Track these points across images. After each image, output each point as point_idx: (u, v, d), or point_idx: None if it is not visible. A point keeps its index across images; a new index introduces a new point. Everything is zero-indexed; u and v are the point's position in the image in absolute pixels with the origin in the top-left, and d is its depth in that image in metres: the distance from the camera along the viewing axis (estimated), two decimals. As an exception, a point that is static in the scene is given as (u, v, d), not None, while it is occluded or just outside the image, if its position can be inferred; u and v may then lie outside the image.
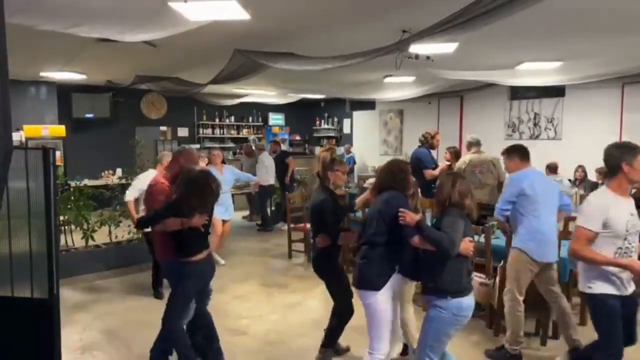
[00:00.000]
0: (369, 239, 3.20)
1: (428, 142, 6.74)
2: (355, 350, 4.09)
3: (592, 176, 8.39)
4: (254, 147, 10.58)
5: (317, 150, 15.33)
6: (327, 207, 3.81)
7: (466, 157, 6.31)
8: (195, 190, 3.41)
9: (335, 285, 3.91)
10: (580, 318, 4.76)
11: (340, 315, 3.90)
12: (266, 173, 9.24)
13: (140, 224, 3.82)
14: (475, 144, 6.32)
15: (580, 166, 8.42)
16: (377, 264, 3.16)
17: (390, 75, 8.48)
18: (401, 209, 3.05)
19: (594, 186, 8.12)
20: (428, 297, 3.06)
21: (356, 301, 3.93)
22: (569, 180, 8.23)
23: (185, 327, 3.71)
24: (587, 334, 4.52)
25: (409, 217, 3.00)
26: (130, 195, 5.44)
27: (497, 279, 4.34)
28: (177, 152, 4.01)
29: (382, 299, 3.13)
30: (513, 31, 5.31)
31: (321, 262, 3.92)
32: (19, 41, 5.61)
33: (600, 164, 8.46)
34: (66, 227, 6.89)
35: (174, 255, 3.52)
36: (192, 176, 3.47)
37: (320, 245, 3.82)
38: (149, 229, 4.15)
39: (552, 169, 7.95)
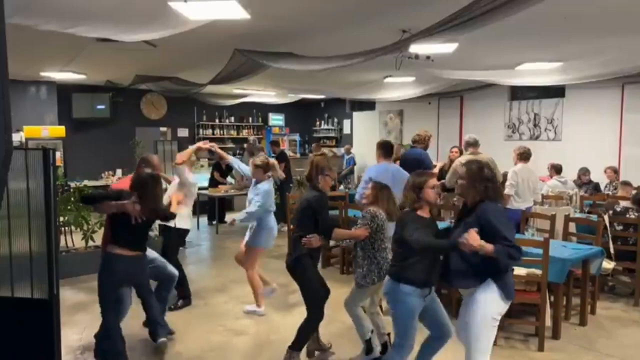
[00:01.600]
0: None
1: (424, 142, 6.72)
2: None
3: (594, 177, 8.38)
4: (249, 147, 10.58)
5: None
6: (325, 202, 3.85)
7: (462, 157, 6.31)
8: (138, 186, 3.70)
9: (312, 288, 3.85)
10: (580, 319, 4.76)
11: (314, 320, 3.88)
12: None
13: (83, 198, 4.03)
14: (472, 144, 6.31)
15: (586, 169, 8.38)
16: None
17: (390, 76, 8.48)
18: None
19: (596, 188, 8.13)
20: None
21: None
22: (574, 181, 8.23)
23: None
24: (586, 334, 4.54)
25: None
26: None
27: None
28: (140, 160, 4.47)
29: None
30: (513, 31, 5.31)
31: (306, 263, 3.80)
32: (19, 41, 5.61)
33: (602, 164, 8.54)
34: (66, 228, 6.88)
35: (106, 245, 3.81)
36: (139, 175, 3.85)
37: (314, 245, 3.71)
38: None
39: (557, 170, 7.93)
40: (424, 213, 3.21)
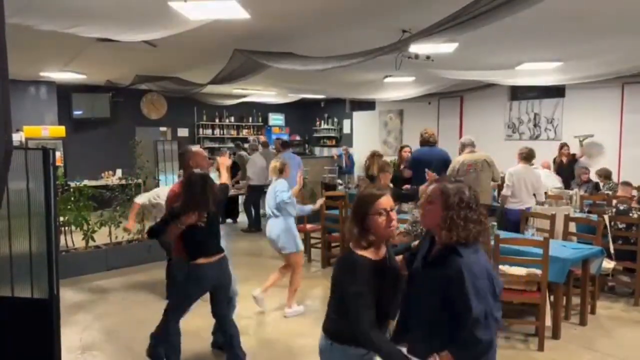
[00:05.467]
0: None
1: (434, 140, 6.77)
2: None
3: (594, 177, 8.38)
4: (247, 146, 10.58)
5: (317, 150, 15.45)
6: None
7: (460, 157, 6.31)
8: (188, 191, 3.47)
9: None
10: (580, 318, 4.76)
11: None
12: (254, 173, 9.17)
13: (149, 233, 3.88)
14: (468, 145, 6.32)
15: (585, 168, 8.40)
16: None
17: (390, 76, 8.48)
18: None
19: (596, 187, 8.13)
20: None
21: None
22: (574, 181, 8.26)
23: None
24: (586, 334, 4.54)
25: None
26: (139, 199, 5.64)
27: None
28: (183, 154, 4.14)
29: None
30: (513, 31, 5.31)
31: None
32: (19, 41, 5.61)
33: (602, 164, 8.49)
34: (66, 227, 6.88)
35: (185, 256, 3.59)
36: (189, 179, 3.57)
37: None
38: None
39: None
40: (370, 254, 2.17)
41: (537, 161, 7.31)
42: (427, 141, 6.54)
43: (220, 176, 4.06)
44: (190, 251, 3.56)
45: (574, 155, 9.01)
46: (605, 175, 8.01)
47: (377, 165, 5.04)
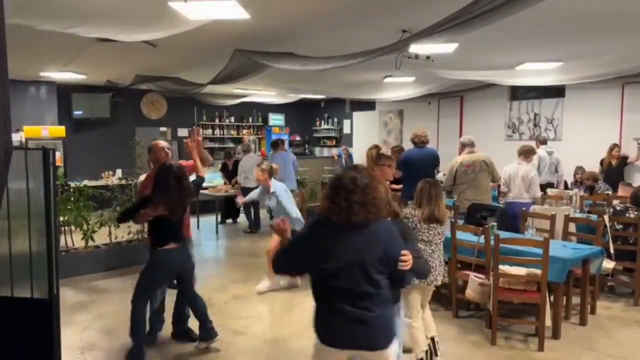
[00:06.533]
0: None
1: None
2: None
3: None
4: (241, 148, 10.59)
5: (318, 150, 15.43)
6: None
7: (458, 157, 6.36)
8: (158, 185, 3.75)
9: None
10: (580, 318, 4.76)
11: None
12: (245, 176, 9.16)
13: (119, 219, 4.13)
14: (468, 145, 6.37)
15: (580, 167, 8.42)
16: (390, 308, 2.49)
17: (390, 76, 8.48)
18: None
19: (590, 189, 8.14)
20: None
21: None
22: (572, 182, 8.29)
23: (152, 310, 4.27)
24: (586, 334, 4.54)
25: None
26: None
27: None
28: (148, 148, 4.41)
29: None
30: (513, 32, 5.31)
31: None
32: (19, 41, 5.61)
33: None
34: (66, 227, 6.88)
35: (150, 243, 3.93)
36: (158, 170, 3.87)
37: None
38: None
39: (541, 141, 8.49)
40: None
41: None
42: (415, 143, 6.72)
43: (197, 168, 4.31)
44: (156, 238, 3.84)
45: (625, 157, 8.72)
46: (593, 178, 8.01)
47: (368, 160, 4.48)
